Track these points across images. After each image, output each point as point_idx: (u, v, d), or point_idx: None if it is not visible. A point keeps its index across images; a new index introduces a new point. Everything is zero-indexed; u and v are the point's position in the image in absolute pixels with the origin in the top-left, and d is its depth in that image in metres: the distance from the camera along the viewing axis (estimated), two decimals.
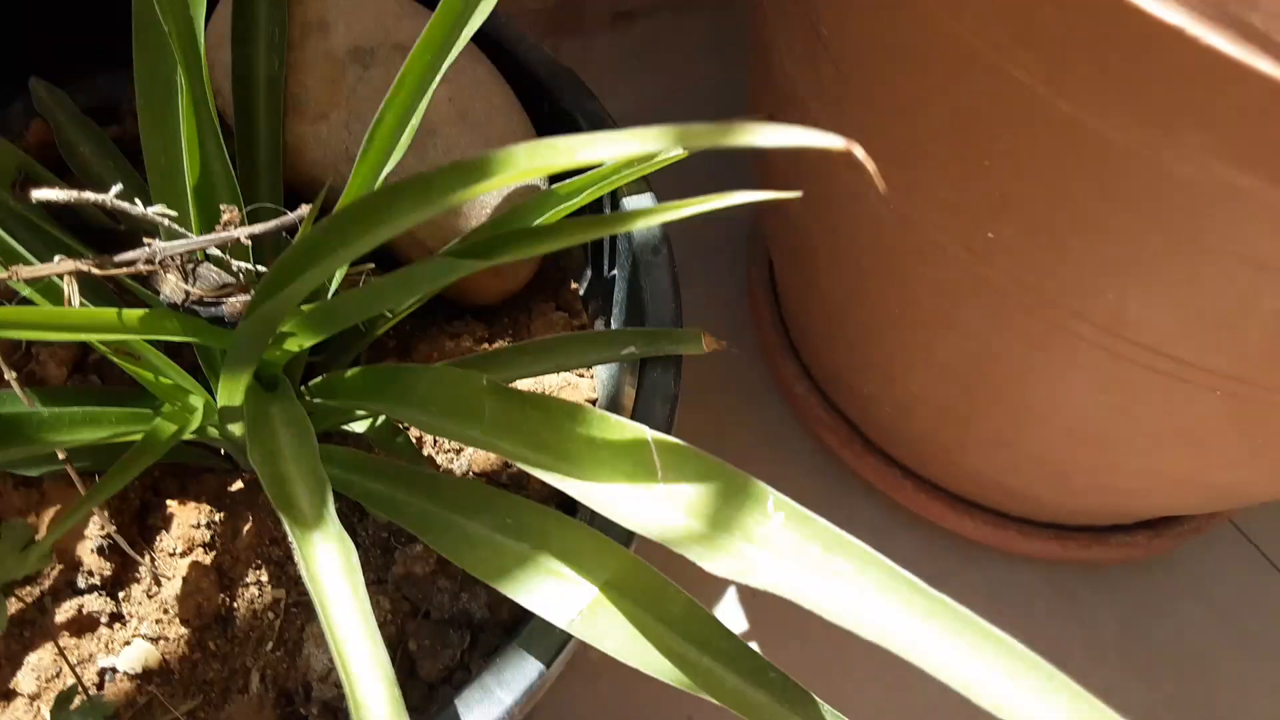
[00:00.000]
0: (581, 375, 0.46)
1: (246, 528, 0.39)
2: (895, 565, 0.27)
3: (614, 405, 0.43)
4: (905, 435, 0.56)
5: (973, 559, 0.65)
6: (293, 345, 0.32)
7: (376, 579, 0.38)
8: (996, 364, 0.43)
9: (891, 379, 0.51)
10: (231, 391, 0.31)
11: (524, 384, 0.44)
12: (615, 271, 0.46)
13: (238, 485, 0.40)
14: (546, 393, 0.44)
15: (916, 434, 0.55)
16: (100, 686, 0.35)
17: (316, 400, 0.36)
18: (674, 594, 0.30)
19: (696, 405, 0.69)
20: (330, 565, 0.26)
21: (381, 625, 0.36)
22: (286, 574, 0.38)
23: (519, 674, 0.32)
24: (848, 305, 0.50)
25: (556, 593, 0.30)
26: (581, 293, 0.50)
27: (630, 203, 0.44)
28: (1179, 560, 0.65)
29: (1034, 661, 0.25)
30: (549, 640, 0.33)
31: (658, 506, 0.28)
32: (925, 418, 0.52)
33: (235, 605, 0.37)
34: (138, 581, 0.37)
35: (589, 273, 0.49)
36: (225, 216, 0.29)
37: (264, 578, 0.38)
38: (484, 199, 0.44)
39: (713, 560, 0.27)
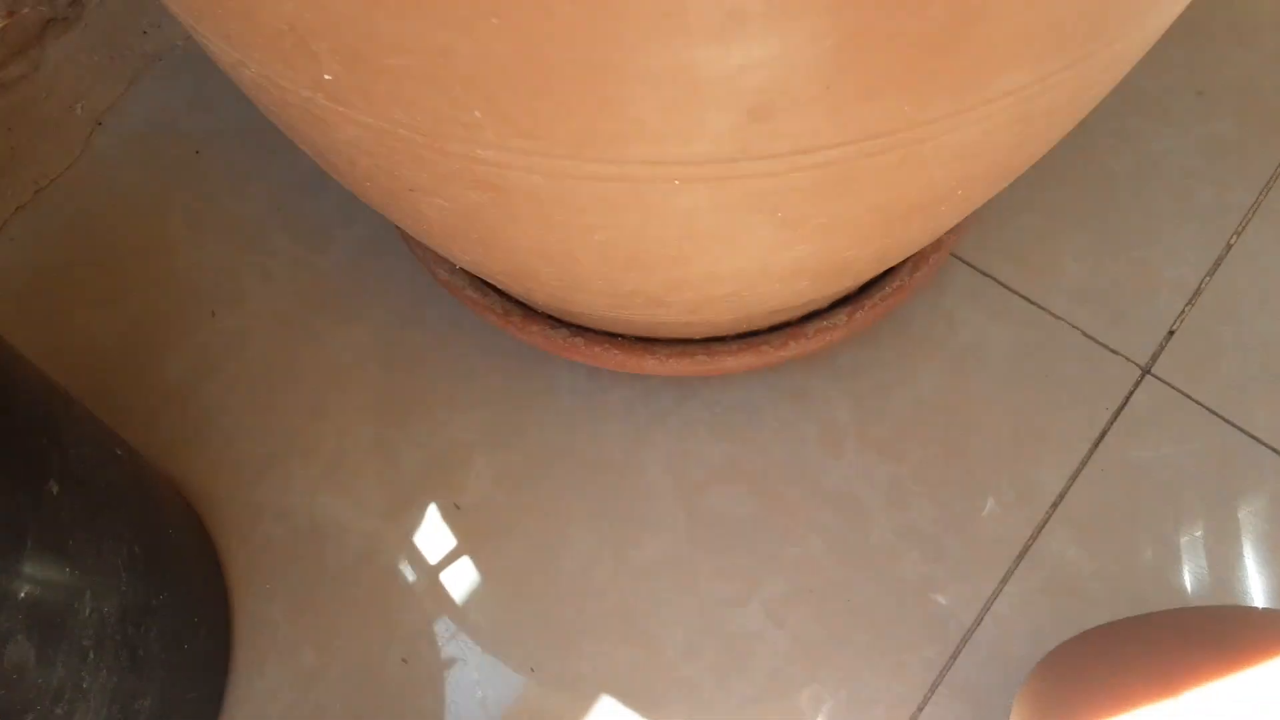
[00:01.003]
0: None
1: None
2: None
3: None
4: (530, 292, 0.49)
5: (684, 394, 0.59)
6: None
7: None
8: (481, 213, 0.35)
9: (453, 244, 0.43)
10: None
11: None
12: None
13: None
14: None
15: (529, 290, 0.47)
16: None
17: None
18: None
19: (358, 322, 0.62)
20: None
21: None
22: None
23: None
24: (367, 181, 0.41)
25: None
26: None
27: None
28: (904, 322, 0.59)
29: None
30: None
31: None
32: (515, 274, 0.44)
33: None
34: None
35: None
36: None
37: None
38: None
39: None
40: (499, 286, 0.54)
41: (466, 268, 0.46)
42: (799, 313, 0.54)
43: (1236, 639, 0.34)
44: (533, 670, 0.53)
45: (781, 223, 0.33)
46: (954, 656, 0.52)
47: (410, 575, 0.56)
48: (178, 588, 0.50)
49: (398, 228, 0.58)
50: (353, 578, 0.56)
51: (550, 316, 0.55)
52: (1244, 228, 0.59)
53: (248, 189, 0.66)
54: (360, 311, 0.62)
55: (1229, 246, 0.59)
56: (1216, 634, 0.36)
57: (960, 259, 0.60)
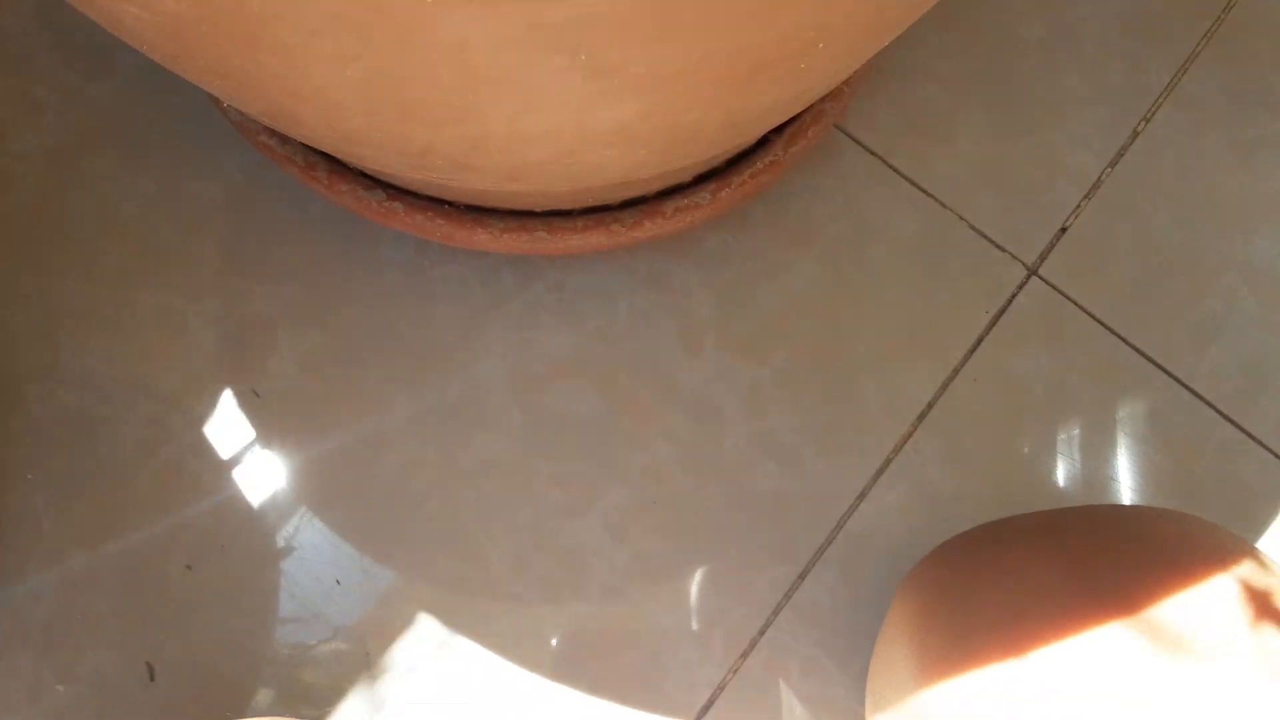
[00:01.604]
0: None
1: None
2: None
3: None
4: (311, 143, 0.40)
5: (526, 275, 0.51)
6: None
7: None
8: (188, 29, 0.26)
9: (183, 69, 0.34)
10: None
11: None
12: None
13: None
14: None
15: (305, 139, 0.38)
16: None
17: None
18: None
19: (142, 168, 0.52)
20: None
21: None
22: None
23: None
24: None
25: None
26: None
27: None
28: (779, 205, 0.52)
29: None
30: None
31: None
32: (275, 117, 0.35)
33: None
34: None
35: None
36: None
37: None
38: None
39: None
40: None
41: (232, 104, 0.37)
42: (656, 187, 0.47)
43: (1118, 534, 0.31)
44: (338, 583, 0.47)
45: (588, 70, 0.26)
46: (801, 576, 0.47)
47: (199, 470, 0.48)
48: None
49: None
50: (131, 470, 0.48)
51: (367, 175, 0.47)
52: (1153, 113, 0.53)
53: None
54: (145, 155, 0.52)
55: (1135, 134, 0.53)
56: (1096, 530, 0.32)
57: (844, 133, 0.53)
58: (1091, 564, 0.28)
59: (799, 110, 0.41)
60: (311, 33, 0.24)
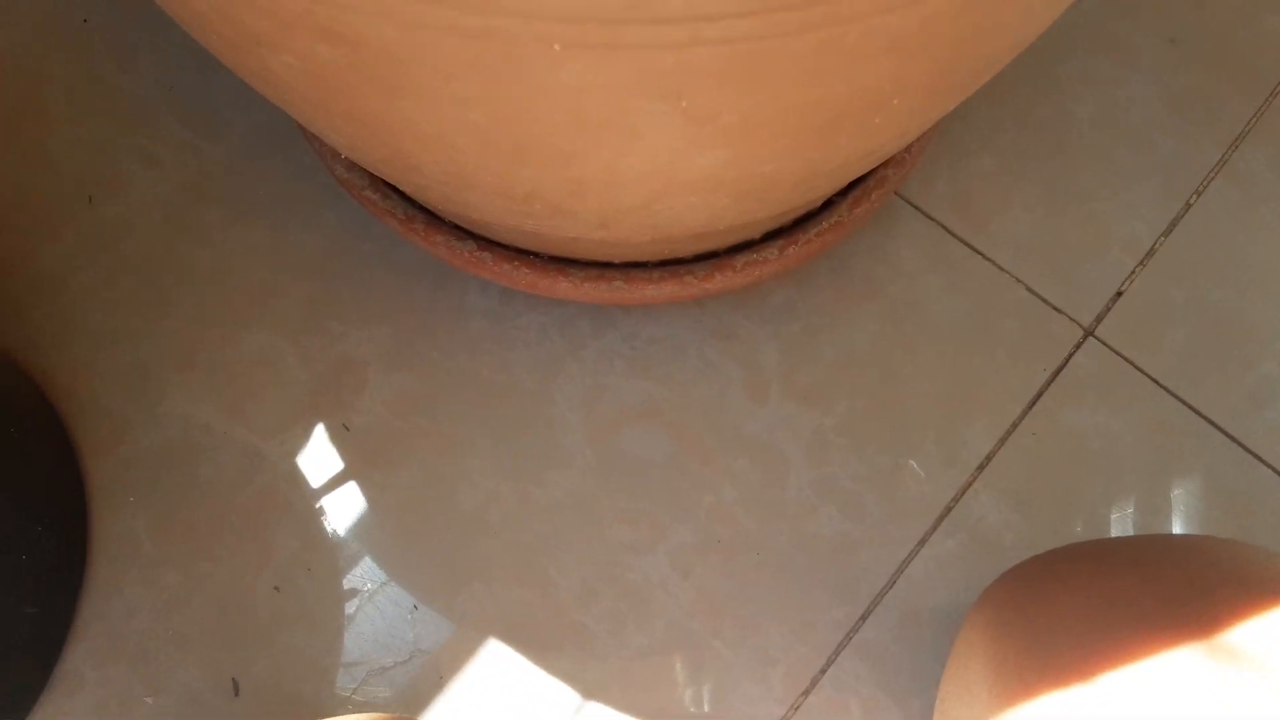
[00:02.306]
0: None
1: None
2: None
3: None
4: (422, 191, 0.44)
5: (602, 324, 0.54)
6: None
7: None
8: (335, 75, 0.30)
9: (317, 118, 0.38)
10: None
11: None
12: None
13: None
14: None
15: (419, 188, 0.42)
16: None
17: None
18: None
19: (250, 220, 0.56)
20: None
21: None
22: None
23: None
24: (210, 32, 0.36)
25: None
26: None
27: None
28: (841, 263, 0.55)
29: None
30: None
31: None
32: (395, 164, 0.39)
33: None
34: None
35: None
36: None
37: None
38: None
39: None
40: (399, 188, 0.49)
41: (349, 155, 0.41)
42: (727, 242, 0.50)
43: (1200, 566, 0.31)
44: (416, 608, 0.50)
45: (686, 115, 0.29)
46: (863, 618, 0.49)
47: (290, 498, 0.52)
48: (19, 491, 0.45)
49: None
50: (227, 497, 0.51)
51: (458, 227, 0.51)
52: (1205, 187, 0.56)
53: (136, 64, 0.60)
54: (253, 208, 0.57)
55: (1188, 206, 0.55)
56: (1178, 559, 0.32)
57: (905, 200, 0.56)
58: (1169, 583, 0.29)
59: (865, 171, 0.44)
60: (447, 78, 0.28)
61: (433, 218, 0.51)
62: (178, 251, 0.56)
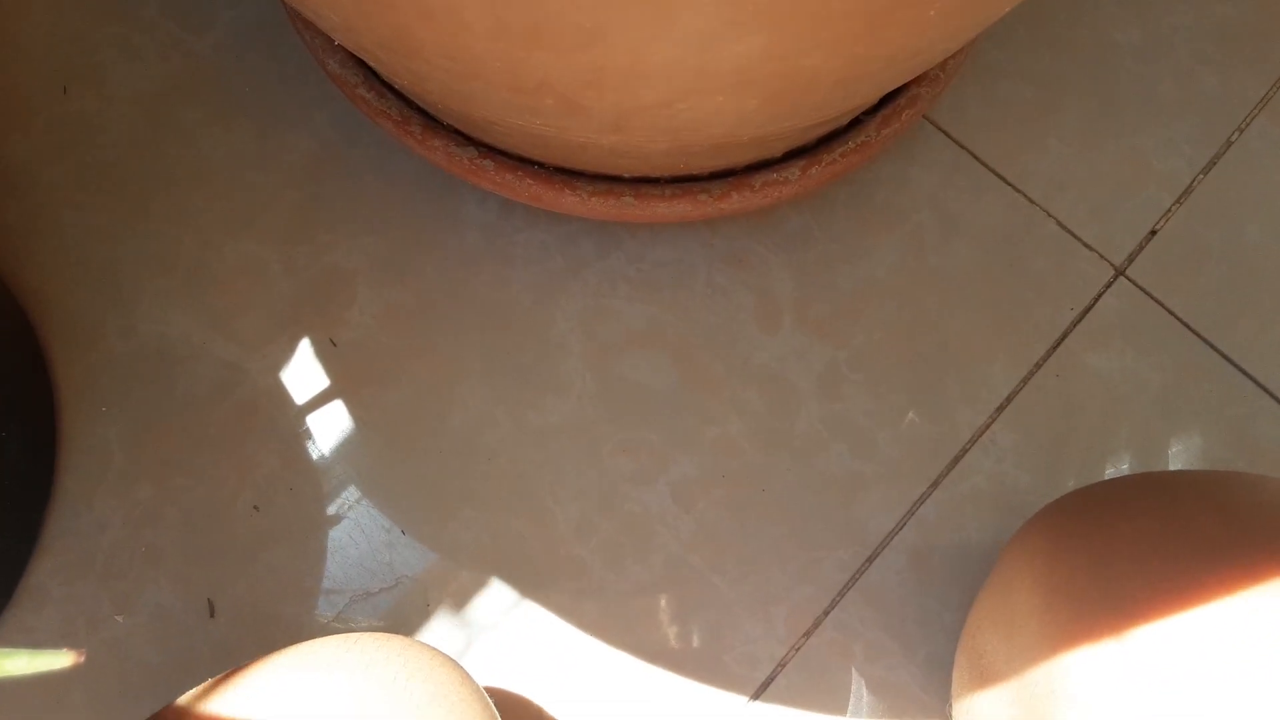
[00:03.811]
0: None
1: None
2: None
3: None
4: (422, 83, 0.41)
5: (607, 244, 0.51)
6: None
7: None
8: None
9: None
10: None
11: None
12: None
13: None
14: None
15: (419, 79, 0.39)
16: None
17: None
18: None
19: (236, 118, 0.53)
20: None
21: None
22: None
23: None
24: None
25: None
26: None
27: None
28: (864, 190, 0.52)
29: None
30: None
31: None
32: (393, 46, 0.36)
33: None
34: None
35: None
36: None
37: None
38: None
39: None
40: (394, 84, 0.45)
41: (344, 40, 0.37)
42: (746, 159, 0.47)
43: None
44: (404, 532, 0.47)
45: None
46: (870, 560, 0.47)
47: (272, 414, 0.49)
48: None
49: (286, 7, 0.49)
50: (205, 410, 0.49)
51: (458, 132, 0.47)
52: (1248, 124, 0.53)
53: None
54: (238, 107, 0.53)
55: (1229, 143, 0.52)
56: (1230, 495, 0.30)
57: (934, 124, 0.53)
58: (1240, 515, 0.27)
59: (905, 81, 0.41)
60: None
61: (430, 120, 0.47)
62: (157, 150, 0.53)
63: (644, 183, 0.47)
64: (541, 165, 0.47)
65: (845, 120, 0.47)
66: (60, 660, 0.23)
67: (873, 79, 0.35)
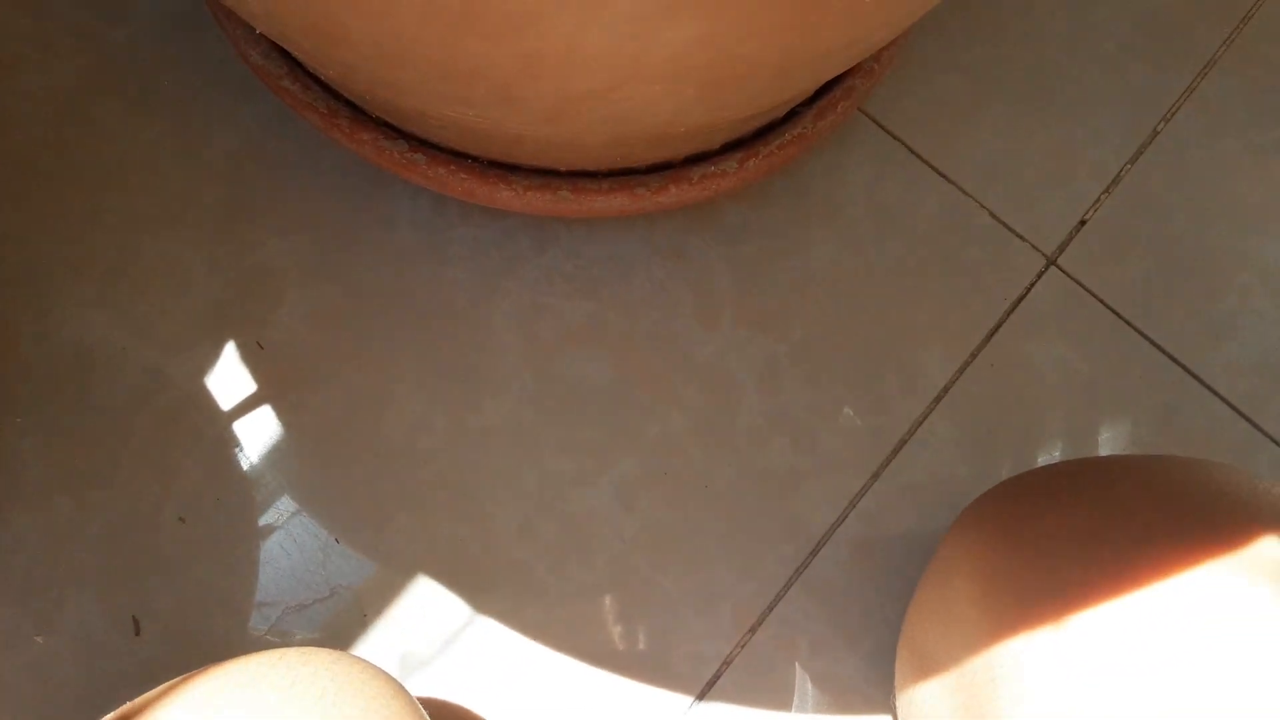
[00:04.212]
0: None
1: None
2: None
3: None
4: (349, 74, 0.39)
5: (544, 240, 0.51)
6: None
7: None
8: None
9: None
10: None
11: None
12: None
13: None
14: None
15: (347, 67, 0.37)
16: None
17: None
18: None
19: (152, 113, 0.51)
20: None
21: None
22: None
23: None
24: None
25: None
26: None
27: None
28: (801, 183, 0.52)
29: None
30: None
31: None
32: (318, 34, 0.34)
33: None
34: None
35: None
36: None
37: None
38: None
39: None
40: (320, 75, 0.44)
41: (266, 28, 0.36)
42: (683, 151, 0.46)
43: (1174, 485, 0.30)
44: (337, 541, 0.46)
45: None
46: (813, 554, 0.47)
47: (196, 422, 0.47)
48: None
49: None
50: (125, 418, 0.47)
51: (388, 125, 0.46)
52: (1173, 114, 0.54)
53: None
54: (158, 101, 0.51)
55: (1155, 133, 0.53)
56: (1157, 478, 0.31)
57: (869, 117, 0.53)
58: (1173, 497, 0.28)
59: (840, 71, 0.41)
60: None
61: (359, 113, 0.46)
62: (72, 146, 0.50)
63: (581, 176, 0.46)
64: (476, 159, 0.46)
65: (782, 112, 0.47)
66: None
67: (809, 68, 0.35)
